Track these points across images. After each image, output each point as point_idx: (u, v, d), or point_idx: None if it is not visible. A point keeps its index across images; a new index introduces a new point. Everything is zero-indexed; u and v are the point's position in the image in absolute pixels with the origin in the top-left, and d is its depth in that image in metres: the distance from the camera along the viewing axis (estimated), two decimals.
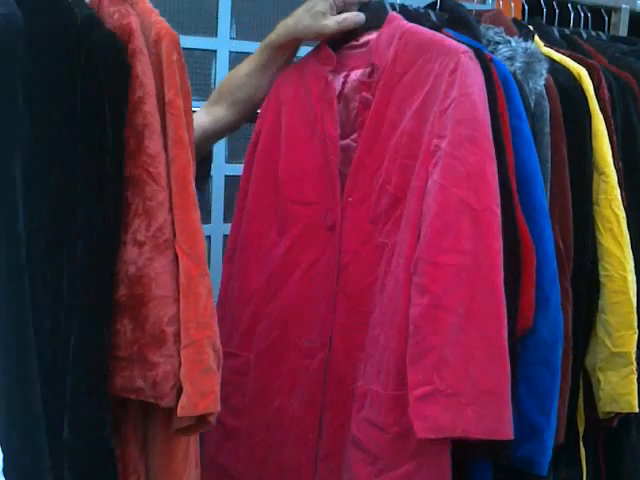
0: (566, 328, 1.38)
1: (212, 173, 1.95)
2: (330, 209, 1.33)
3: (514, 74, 1.36)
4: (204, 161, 1.41)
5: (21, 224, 0.90)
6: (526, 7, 1.70)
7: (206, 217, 2.09)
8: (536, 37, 1.52)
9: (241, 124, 1.49)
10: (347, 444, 1.28)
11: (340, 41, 1.37)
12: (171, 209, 1.00)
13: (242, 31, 2.15)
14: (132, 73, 0.99)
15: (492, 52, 1.38)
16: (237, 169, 1.98)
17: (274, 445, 1.38)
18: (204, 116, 1.39)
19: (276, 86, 1.41)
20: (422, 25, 1.33)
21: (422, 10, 1.43)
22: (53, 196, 0.95)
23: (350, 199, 1.31)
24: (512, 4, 1.69)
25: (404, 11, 1.38)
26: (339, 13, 1.36)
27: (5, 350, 0.89)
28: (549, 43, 1.56)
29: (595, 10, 1.79)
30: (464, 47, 1.24)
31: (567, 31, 1.70)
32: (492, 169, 1.20)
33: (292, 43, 1.39)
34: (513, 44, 1.40)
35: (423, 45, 1.27)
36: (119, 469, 1.04)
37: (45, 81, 0.96)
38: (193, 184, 1.01)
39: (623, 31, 1.87)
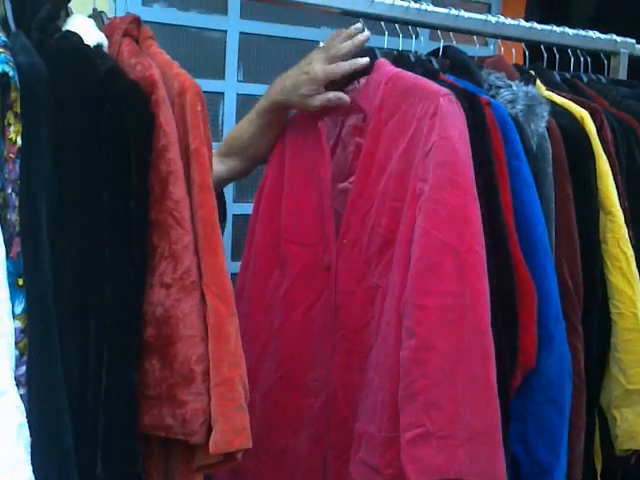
0: (578, 366, 1.41)
1: None
2: (325, 250, 1.38)
3: (515, 117, 1.41)
4: (219, 202, 1.50)
5: (47, 264, 0.94)
6: (527, 52, 1.76)
7: None
8: (538, 81, 1.58)
9: (252, 171, 1.58)
10: None
11: (336, 87, 1.43)
12: (196, 252, 1.04)
13: (249, 74, 2.25)
14: (156, 122, 1.04)
15: (493, 96, 1.44)
16: (244, 208, 2.06)
17: None
18: (218, 164, 1.48)
19: (282, 132, 1.49)
20: (414, 71, 1.38)
21: (424, 57, 1.50)
22: (80, 239, 1.00)
23: (345, 241, 1.37)
24: (513, 50, 1.75)
25: (399, 57, 1.45)
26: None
27: (35, 387, 0.93)
28: (551, 87, 1.61)
29: (595, 55, 1.85)
30: (444, 90, 1.28)
31: (568, 75, 1.75)
32: (474, 211, 1.22)
33: (286, 109, 1.48)
34: (514, 88, 1.46)
35: (408, 89, 1.32)
36: None
37: (70, 128, 1.01)
38: (219, 228, 1.06)
39: (622, 75, 1.92)
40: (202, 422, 1.02)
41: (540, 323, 1.31)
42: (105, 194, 1.00)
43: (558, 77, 1.73)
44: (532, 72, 1.62)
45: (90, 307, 1.00)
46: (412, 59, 1.46)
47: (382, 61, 1.40)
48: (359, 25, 1.43)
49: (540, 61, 1.75)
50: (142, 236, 1.02)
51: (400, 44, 1.51)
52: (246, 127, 1.49)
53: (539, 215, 1.37)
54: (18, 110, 0.95)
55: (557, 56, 1.76)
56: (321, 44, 1.44)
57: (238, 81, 2.24)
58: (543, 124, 1.44)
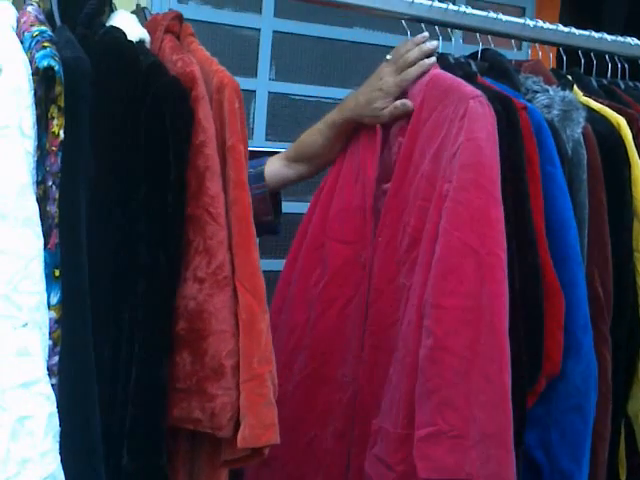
0: (605, 374, 1.40)
1: None
2: (363, 248, 1.41)
3: (551, 121, 1.41)
4: (276, 202, 1.57)
5: (84, 257, 0.96)
6: (564, 57, 1.75)
7: None
8: (575, 87, 1.57)
9: (317, 174, 1.62)
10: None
11: None
12: (230, 248, 1.05)
13: (281, 73, 2.26)
14: (195, 118, 1.05)
15: (530, 100, 1.44)
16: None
17: (307, 475, 1.44)
18: (284, 168, 1.57)
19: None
20: (454, 73, 1.39)
21: (463, 60, 1.50)
22: (116, 232, 1.01)
23: (380, 239, 1.39)
24: (550, 54, 1.73)
25: (442, 59, 1.45)
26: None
27: (66, 377, 0.94)
28: (588, 93, 1.60)
29: (632, 61, 1.84)
30: (476, 92, 1.29)
31: (605, 81, 1.74)
32: (497, 213, 1.23)
33: (355, 123, 1.50)
34: (551, 93, 1.46)
35: (444, 91, 1.34)
36: None
37: (110, 123, 1.02)
38: (253, 225, 1.07)
39: None
40: (230, 417, 1.03)
41: (568, 330, 1.31)
42: (143, 188, 1.02)
43: (595, 83, 1.71)
44: (570, 77, 1.61)
45: (124, 300, 1.01)
46: (452, 61, 1.47)
47: None
48: (426, 34, 1.45)
49: (577, 66, 1.74)
50: (178, 231, 1.04)
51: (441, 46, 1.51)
52: (316, 137, 1.53)
53: (571, 221, 1.36)
54: (62, 104, 0.97)
55: (594, 62, 1.74)
56: (388, 57, 1.46)
57: (270, 79, 2.25)
58: (579, 130, 1.44)
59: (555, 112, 1.43)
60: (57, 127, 0.96)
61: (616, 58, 1.77)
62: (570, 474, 1.31)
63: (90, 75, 0.99)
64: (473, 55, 1.53)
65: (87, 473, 0.94)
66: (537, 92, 1.47)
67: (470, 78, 1.39)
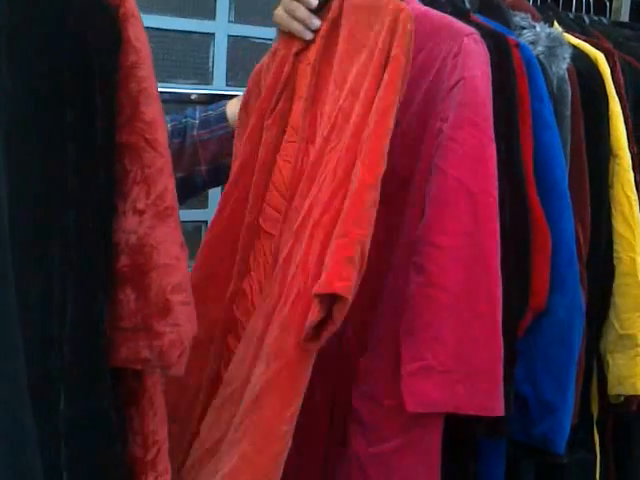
0: None
1: None
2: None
3: (537, 59, 1.26)
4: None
5: (2, 192, 0.73)
6: None
7: (203, 202, 1.90)
8: (555, 22, 1.40)
9: None
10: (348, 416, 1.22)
11: None
12: (171, 175, 0.85)
13: (241, 14, 1.92)
14: (123, 37, 0.83)
15: (517, 37, 1.28)
16: None
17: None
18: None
19: None
20: (444, 10, 1.22)
21: None
22: (39, 163, 0.79)
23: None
24: None
25: None
26: None
27: None
28: (565, 27, 1.42)
29: None
30: (469, 29, 1.13)
31: (571, 16, 1.55)
32: (491, 152, 1.09)
33: None
34: (537, 29, 1.32)
35: (433, 29, 1.17)
36: (138, 441, 0.90)
37: (27, 46, 0.79)
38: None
39: (624, 17, 1.68)
40: (180, 354, 0.85)
41: (553, 265, 1.18)
42: (67, 116, 0.79)
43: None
44: (550, 13, 1.45)
45: (51, 234, 0.80)
46: None
47: None
48: None
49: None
50: (109, 159, 0.82)
51: None
52: None
53: (558, 158, 1.21)
54: None
55: None
56: None
57: (229, 22, 1.91)
58: (564, 66, 1.29)
59: (540, 49, 1.28)
60: None
61: None
62: (554, 405, 1.20)
63: None
64: None
65: (8, 424, 0.72)
66: (524, 28, 1.31)
67: (463, 15, 1.22)
